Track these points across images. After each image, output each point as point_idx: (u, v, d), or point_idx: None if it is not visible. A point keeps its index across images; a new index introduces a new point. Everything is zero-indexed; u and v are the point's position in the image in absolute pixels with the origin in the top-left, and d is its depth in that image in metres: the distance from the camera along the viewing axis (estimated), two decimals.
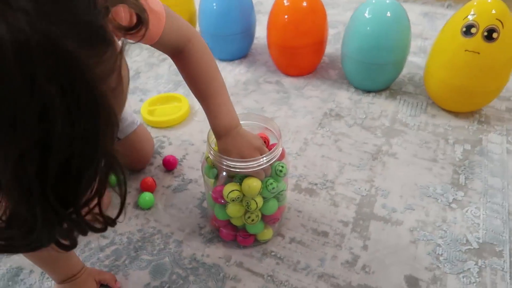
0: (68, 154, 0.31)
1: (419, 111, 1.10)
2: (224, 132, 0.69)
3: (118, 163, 0.36)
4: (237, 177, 0.69)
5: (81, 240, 0.80)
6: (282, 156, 0.72)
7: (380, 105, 1.13)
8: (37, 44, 0.28)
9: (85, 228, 0.38)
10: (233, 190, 0.67)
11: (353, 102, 1.15)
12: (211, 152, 0.68)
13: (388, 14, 1.06)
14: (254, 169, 0.67)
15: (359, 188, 0.88)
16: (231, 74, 1.30)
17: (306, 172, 0.93)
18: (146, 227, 0.82)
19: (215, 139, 0.72)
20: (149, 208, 0.86)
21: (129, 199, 0.88)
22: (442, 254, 0.74)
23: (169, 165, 0.94)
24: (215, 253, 0.77)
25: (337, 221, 0.81)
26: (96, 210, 0.38)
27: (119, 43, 0.37)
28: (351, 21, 1.12)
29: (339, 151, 0.98)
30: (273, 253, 0.76)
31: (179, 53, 0.68)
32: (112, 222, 0.41)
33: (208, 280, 0.72)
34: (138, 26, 0.45)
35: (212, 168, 0.72)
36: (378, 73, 1.13)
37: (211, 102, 0.70)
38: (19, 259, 0.77)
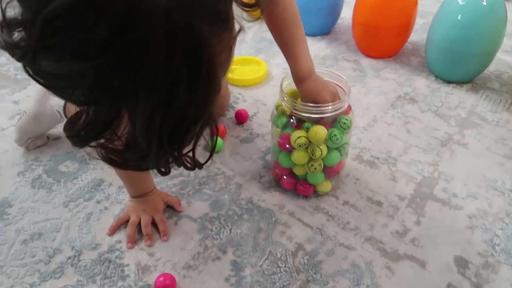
0: (183, 113, 0.38)
1: (501, 108, 1.06)
2: (306, 75, 0.74)
3: (214, 121, 0.44)
4: (305, 126, 0.73)
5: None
6: (347, 111, 0.74)
7: (459, 96, 1.10)
8: (181, 29, 0.34)
9: (182, 164, 0.47)
10: (301, 136, 0.71)
11: (431, 90, 1.13)
12: (284, 97, 0.72)
13: (484, 2, 1.02)
14: (322, 115, 0.70)
15: (422, 169, 0.88)
16: (311, 48, 1.31)
17: (370, 146, 0.94)
18: (212, 167, 0.89)
19: (286, 87, 0.76)
20: (217, 152, 0.93)
21: (200, 142, 0.96)
22: (499, 244, 0.73)
23: (241, 118, 1.01)
24: (271, 200, 0.82)
25: (394, 195, 0.82)
26: (190, 154, 0.47)
27: (237, 26, 0.44)
28: (442, 7, 1.10)
29: (407, 133, 0.98)
30: (325, 210, 0.79)
31: (271, 2, 0.73)
32: (200, 165, 0.50)
33: (261, 221, 0.77)
34: (255, 5, 0.52)
35: (281, 116, 0.76)
36: (463, 63, 1.09)
37: (295, 48, 0.74)
38: (102, 173, 0.89)
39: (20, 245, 0.75)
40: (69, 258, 0.72)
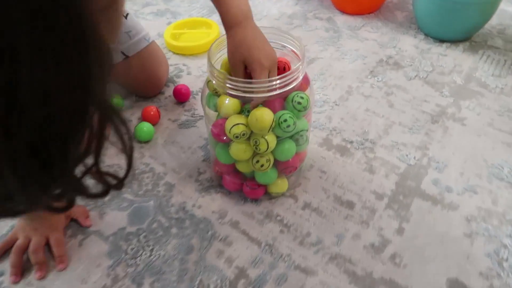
0: (43, 105, 0.23)
1: (505, 71, 0.85)
2: (239, 19, 0.54)
3: (115, 112, 0.28)
4: (245, 109, 0.53)
5: None
6: (304, 85, 0.55)
7: (454, 58, 0.89)
8: None
9: (80, 190, 0.30)
10: (238, 124, 0.51)
11: (420, 51, 0.91)
12: (213, 71, 0.52)
13: None
14: (267, 94, 0.50)
15: (407, 155, 0.68)
16: (277, 5, 1.10)
17: (341, 126, 0.74)
18: (137, 163, 0.69)
19: (219, 58, 0.56)
20: (146, 142, 0.73)
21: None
22: (507, 259, 0.54)
23: (180, 96, 0.80)
24: (209, 205, 0.62)
25: (370, 192, 0.63)
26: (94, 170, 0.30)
27: None
28: None
29: (389, 107, 0.78)
30: (279, 218, 0.60)
31: None
32: (118, 185, 0.34)
33: (192, 236, 0.58)
34: None
35: (213, 96, 0.56)
36: (459, 17, 0.87)
37: None
38: None
39: None
40: None
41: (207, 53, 0.54)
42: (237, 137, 0.52)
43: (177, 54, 0.94)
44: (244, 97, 0.51)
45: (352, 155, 0.69)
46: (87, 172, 0.30)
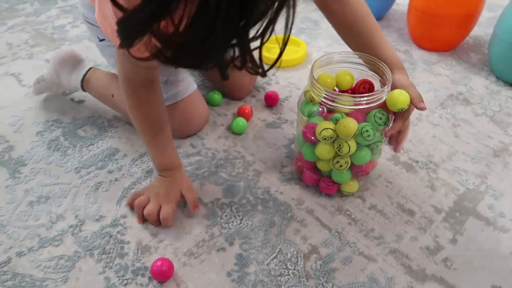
0: None
1: None
2: (399, 64, 0.67)
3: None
4: (333, 117, 0.65)
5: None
6: (385, 105, 0.66)
7: None
8: None
9: (247, 59, 0.41)
10: (327, 128, 0.63)
11: (489, 91, 0.99)
12: (314, 83, 0.64)
13: None
14: (356, 107, 0.62)
15: (466, 180, 0.77)
16: None
17: (409, 147, 0.84)
18: (231, 150, 0.83)
19: (317, 72, 0.68)
20: (239, 134, 0.86)
21: (223, 121, 0.90)
22: None
23: (270, 101, 0.93)
24: (289, 193, 0.74)
25: (429, 205, 0.73)
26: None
27: None
28: None
29: (455, 137, 0.87)
30: (348, 212, 0.71)
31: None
32: (264, 71, 0.45)
33: (275, 214, 0.71)
34: None
35: (308, 103, 0.68)
36: None
37: (378, 36, 0.68)
38: (118, 142, 0.85)
39: (26, 206, 0.72)
40: (71, 226, 0.69)
41: (310, 68, 0.66)
42: (325, 139, 0.64)
43: (268, 64, 1.08)
44: (335, 107, 0.63)
45: (416, 173, 0.79)
46: (257, 48, 0.41)
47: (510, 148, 0.84)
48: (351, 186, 0.72)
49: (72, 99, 0.96)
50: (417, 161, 0.81)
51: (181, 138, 0.85)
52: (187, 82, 0.83)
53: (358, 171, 0.70)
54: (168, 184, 0.71)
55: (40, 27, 1.26)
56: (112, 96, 0.85)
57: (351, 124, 0.62)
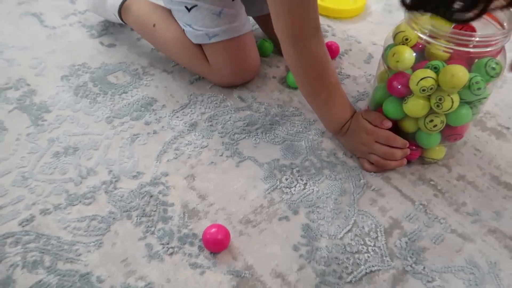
0: None
1: None
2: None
3: None
4: (431, 65, 0.52)
5: (217, 97, 0.72)
6: (497, 52, 0.53)
7: None
8: None
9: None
10: (428, 77, 0.51)
11: None
12: (413, 17, 0.52)
13: None
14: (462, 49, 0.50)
15: None
16: None
17: (496, 112, 0.71)
18: (287, 105, 0.71)
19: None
20: (296, 88, 0.74)
21: (276, 73, 0.78)
22: None
23: (330, 52, 0.80)
24: None
25: None
26: None
27: None
28: None
29: None
30: (432, 183, 0.60)
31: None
32: None
33: (345, 180, 0.59)
34: None
35: (403, 44, 0.55)
36: None
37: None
38: (156, 91, 0.73)
39: (51, 157, 0.62)
40: (104, 183, 0.58)
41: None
42: (424, 90, 0.52)
43: (322, 15, 0.94)
44: (445, 47, 0.51)
45: (509, 140, 0.66)
46: None
47: None
48: (437, 152, 0.60)
49: (101, 43, 0.84)
50: (508, 128, 0.68)
51: (228, 87, 0.73)
52: (243, 20, 0.70)
53: (451, 133, 0.58)
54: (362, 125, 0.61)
55: None
56: (154, 26, 0.74)
57: (461, 73, 0.50)
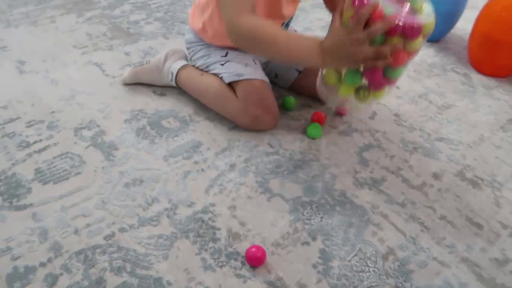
0: None
1: None
2: None
3: None
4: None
5: (251, 142, 0.90)
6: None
7: None
8: None
9: None
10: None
11: None
12: None
13: None
14: None
15: None
16: (419, 53, 1.27)
17: (474, 165, 0.89)
18: (307, 152, 0.89)
19: None
20: (314, 138, 0.92)
21: (297, 125, 0.96)
22: None
23: (341, 111, 0.99)
24: (364, 197, 0.80)
25: (496, 221, 0.78)
26: None
27: None
28: None
29: None
30: (420, 220, 0.77)
31: None
32: None
33: (353, 216, 0.76)
34: None
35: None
36: None
37: None
38: (201, 136, 0.91)
39: (123, 187, 0.79)
40: (165, 209, 0.76)
41: None
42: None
43: None
44: None
45: (482, 190, 0.84)
46: None
47: None
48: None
49: (154, 92, 1.03)
50: (482, 179, 0.86)
51: (253, 130, 0.93)
52: (260, 71, 0.93)
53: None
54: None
55: (116, 20, 1.34)
56: (202, 75, 0.96)
57: None
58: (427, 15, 0.67)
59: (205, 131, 0.93)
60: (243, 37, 0.75)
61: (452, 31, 1.36)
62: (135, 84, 1.04)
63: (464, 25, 1.31)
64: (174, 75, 0.98)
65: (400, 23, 0.64)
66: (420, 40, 0.68)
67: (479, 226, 0.77)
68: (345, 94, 0.76)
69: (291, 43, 0.73)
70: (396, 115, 1.02)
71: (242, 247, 0.70)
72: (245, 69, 0.91)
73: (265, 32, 0.73)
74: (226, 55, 0.93)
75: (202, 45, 0.97)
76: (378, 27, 0.64)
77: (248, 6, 0.74)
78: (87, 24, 1.31)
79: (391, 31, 0.65)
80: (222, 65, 0.92)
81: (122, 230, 0.72)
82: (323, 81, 0.78)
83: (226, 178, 0.82)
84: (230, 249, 0.70)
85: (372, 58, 0.66)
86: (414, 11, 0.66)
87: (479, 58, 1.19)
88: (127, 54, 1.17)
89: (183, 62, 1.00)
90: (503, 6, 1.09)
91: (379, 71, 0.70)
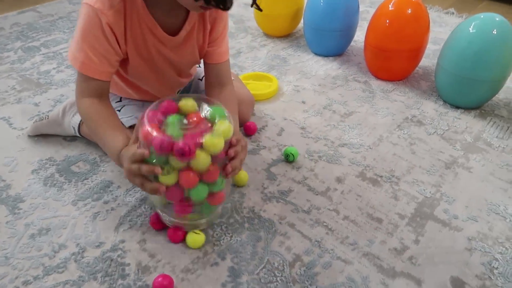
0: None
1: (508, 135, 1.06)
2: None
3: None
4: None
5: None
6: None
7: (466, 121, 1.11)
8: None
9: None
10: None
11: (439, 113, 1.14)
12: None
13: (494, 31, 1.04)
14: None
15: (424, 190, 0.89)
16: (323, 68, 1.36)
17: (374, 164, 0.95)
18: None
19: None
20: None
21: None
22: (497, 267, 0.72)
23: (249, 130, 1.03)
24: (272, 210, 0.83)
25: (394, 213, 0.83)
26: None
27: None
28: (454, 33, 1.12)
29: (412, 154, 0.99)
30: (325, 224, 0.80)
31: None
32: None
33: (260, 230, 0.79)
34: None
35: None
36: (472, 90, 1.10)
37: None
38: (111, 175, 0.92)
39: (28, 239, 0.77)
40: (73, 254, 0.74)
41: None
42: None
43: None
44: None
45: (381, 186, 0.90)
46: None
47: (459, 161, 0.97)
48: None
49: (64, 138, 1.03)
50: (381, 176, 0.92)
51: None
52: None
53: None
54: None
55: (26, 73, 1.33)
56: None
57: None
58: (214, 135, 0.64)
59: (115, 170, 0.93)
60: (81, 116, 0.82)
61: (352, 43, 1.47)
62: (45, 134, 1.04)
63: (361, 36, 1.42)
64: (77, 129, 0.98)
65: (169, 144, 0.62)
66: (203, 159, 0.64)
67: (379, 220, 0.82)
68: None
69: (104, 139, 0.77)
70: (302, 128, 1.07)
71: (152, 279, 0.70)
72: (143, 109, 0.91)
73: (92, 119, 0.79)
74: (120, 100, 0.96)
75: None
76: (137, 153, 0.66)
77: (90, 91, 0.79)
78: None
79: (163, 151, 0.63)
80: (119, 110, 0.93)
81: (25, 283, 0.70)
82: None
83: (136, 213, 0.83)
84: (139, 283, 0.70)
85: (140, 185, 0.69)
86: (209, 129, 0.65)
87: (375, 66, 1.29)
88: (36, 104, 1.16)
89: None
90: (385, 19, 1.20)
91: (177, 191, 0.68)
